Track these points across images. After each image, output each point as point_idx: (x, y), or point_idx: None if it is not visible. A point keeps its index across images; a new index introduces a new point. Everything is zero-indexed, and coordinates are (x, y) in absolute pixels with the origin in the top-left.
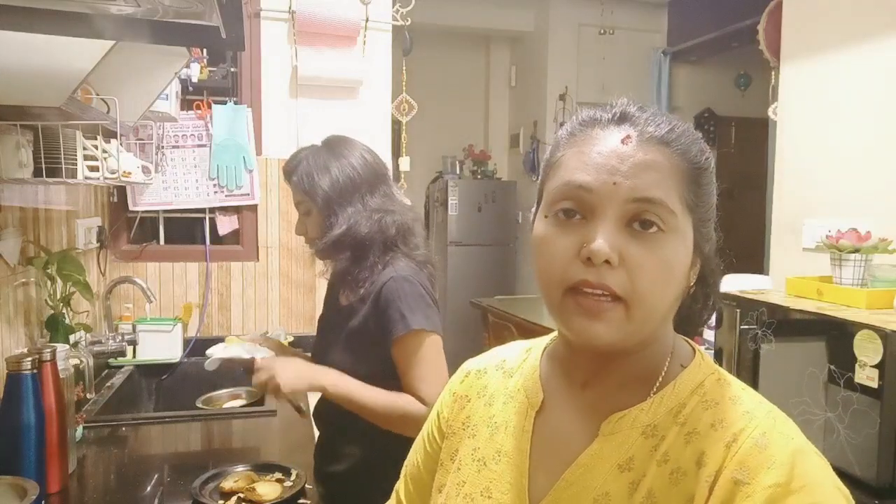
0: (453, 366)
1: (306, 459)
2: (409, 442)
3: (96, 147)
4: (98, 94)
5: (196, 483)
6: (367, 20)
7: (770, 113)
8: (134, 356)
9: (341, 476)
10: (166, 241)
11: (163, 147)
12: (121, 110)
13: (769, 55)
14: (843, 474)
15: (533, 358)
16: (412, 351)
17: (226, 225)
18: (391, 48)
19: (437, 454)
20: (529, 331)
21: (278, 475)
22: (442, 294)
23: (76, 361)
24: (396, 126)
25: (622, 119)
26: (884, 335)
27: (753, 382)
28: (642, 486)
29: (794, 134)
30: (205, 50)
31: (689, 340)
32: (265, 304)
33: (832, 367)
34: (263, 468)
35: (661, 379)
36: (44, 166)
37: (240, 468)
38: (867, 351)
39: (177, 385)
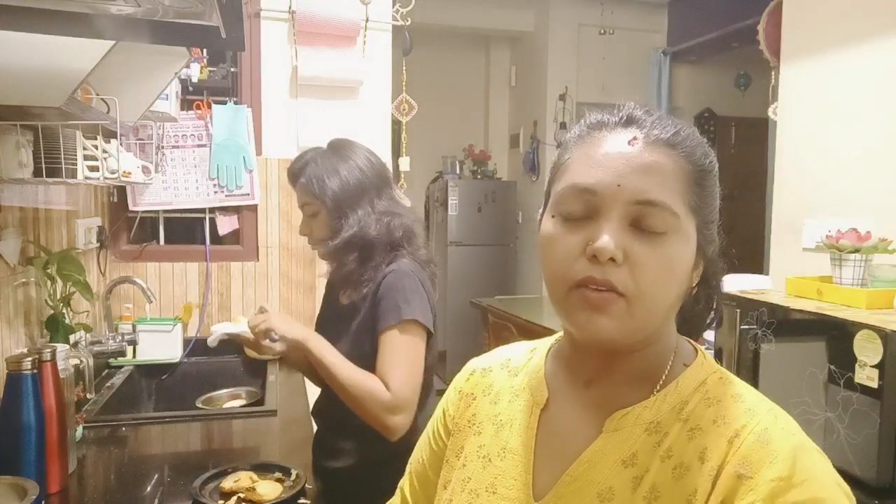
0: (453, 366)
1: (306, 459)
2: (404, 441)
3: (96, 147)
4: (98, 94)
5: (196, 483)
6: (367, 20)
7: (770, 113)
8: (134, 356)
9: (338, 472)
10: (166, 241)
11: (163, 147)
12: (121, 110)
13: (769, 55)
14: (843, 474)
15: (538, 357)
16: (398, 340)
17: (226, 225)
18: (391, 48)
19: (442, 452)
20: (529, 331)
21: (278, 475)
22: (442, 294)
23: (76, 361)
24: (396, 126)
25: (629, 122)
26: (884, 335)
27: (753, 382)
28: (646, 481)
29: (794, 134)
30: (205, 50)
31: (692, 341)
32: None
33: (832, 367)
34: (263, 468)
35: (664, 377)
36: (44, 166)
37: (240, 468)
38: (867, 351)
39: (177, 385)
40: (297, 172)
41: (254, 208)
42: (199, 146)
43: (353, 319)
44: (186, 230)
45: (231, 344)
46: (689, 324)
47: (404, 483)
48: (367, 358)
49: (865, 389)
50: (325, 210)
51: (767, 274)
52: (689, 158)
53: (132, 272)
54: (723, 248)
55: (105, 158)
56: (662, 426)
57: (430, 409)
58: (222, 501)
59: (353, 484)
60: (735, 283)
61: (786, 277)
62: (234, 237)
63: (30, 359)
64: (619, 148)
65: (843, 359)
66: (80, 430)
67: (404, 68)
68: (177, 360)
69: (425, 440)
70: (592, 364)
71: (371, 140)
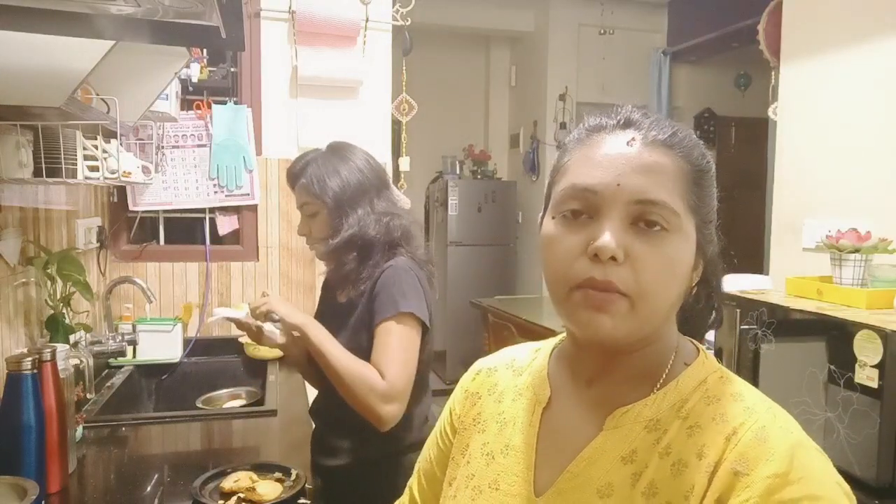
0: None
1: (306, 459)
2: (401, 440)
3: (96, 147)
4: (98, 94)
5: (196, 483)
6: (367, 20)
7: (770, 113)
8: (134, 356)
9: (336, 471)
10: (166, 241)
11: (163, 147)
12: (121, 110)
13: (769, 55)
14: (843, 474)
15: (542, 357)
16: (394, 330)
17: (226, 225)
18: (391, 48)
19: (448, 450)
20: (529, 331)
21: (278, 475)
22: (442, 294)
23: (76, 361)
24: (396, 126)
25: (627, 124)
26: (884, 335)
27: (753, 382)
28: (644, 477)
29: (794, 134)
30: (205, 50)
31: (694, 341)
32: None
33: (832, 367)
34: (263, 468)
35: (664, 376)
36: (44, 166)
37: (240, 468)
38: (867, 351)
39: (177, 385)
40: (297, 173)
41: (254, 208)
42: (199, 146)
43: (350, 315)
44: (186, 230)
45: (231, 343)
46: (691, 324)
47: (413, 482)
48: (364, 352)
49: (865, 389)
50: (325, 210)
51: (767, 274)
52: (686, 158)
53: (132, 272)
54: (722, 248)
55: (105, 158)
56: (662, 423)
57: (426, 406)
58: (222, 501)
59: (350, 482)
60: (735, 283)
61: (786, 277)
62: (234, 237)
63: (30, 359)
64: (619, 149)
65: (843, 359)
66: (80, 430)
67: (404, 68)
68: (177, 360)
69: (433, 439)
70: (594, 363)
71: (371, 140)
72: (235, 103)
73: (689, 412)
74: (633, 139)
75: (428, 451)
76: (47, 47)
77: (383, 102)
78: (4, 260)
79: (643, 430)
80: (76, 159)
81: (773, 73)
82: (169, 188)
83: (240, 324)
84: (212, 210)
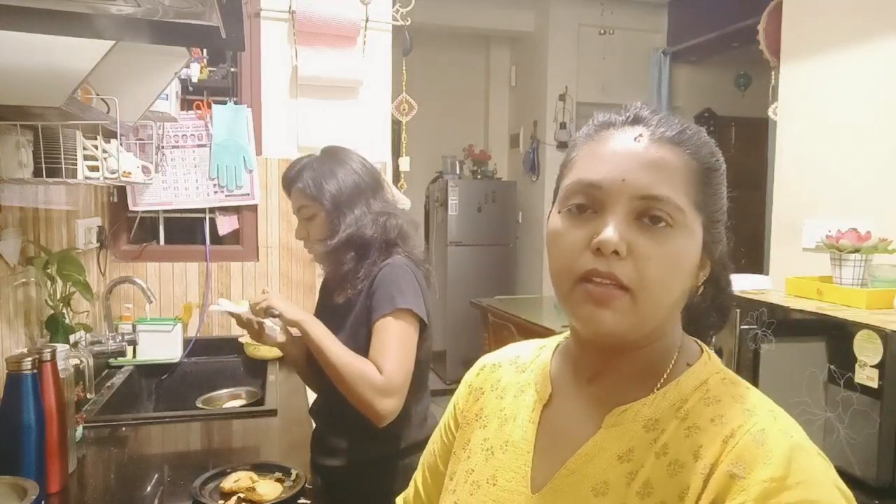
0: (453, 366)
1: (306, 459)
2: (401, 440)
3: (96, 147)
4: (98, 94)
5: (196, 483)
6: (366, 20)
7: (770, 113)
8: (134, 356)
9: (336, 471)
10: (166, 241)
11: (163, 147)
12: (121, 110)
13: (769, 55)
14: (842, 474)
15: (545, 354)
16: (392, 326)
17: (226, 225)
18: (391, 48)
19: (451, 445)
20: (529, 331)
21: (278, 475)
22: (442, 294)
23: (76, 361)
24: (396, 126)
25: (635, 121)
26: (884, 335)
27: (753, 382)
28: (640, 476)
29: (794, 134)
30: (205, 50)
31: (699, 341)
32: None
33: (832, 367)
34: (263, 468)
35: (666, 375)
36: (44, 166)
37: (240, 468)
38: (867, 351)
39: (177, 385)
40: (293, 178)
41: (254, 208)
42: (199, 146)
43: (348, 315)
44: (186, 230)
45: (231, 343)
46: (697, 324)
47: (417, 475)
48: (363, 350)
49: (865, 389)
50: (322, 212)
51: (767, 274)
52: (695, 156)
53: (132, 272)
54: (731, 249)
55: (105, 158)
56: (660, 423)
57: (426, 405)
58: (222, 501)
59: (350, 482)
60: (735, 283)
61: (786, 277)
62: (234, 237)
63: (30, 359)
64: (625, 144)
65: (843, 359)
66: (80, 430)
67: (404, 68)
68: (177, 360)
69: (437, 434)
70: (596, 360)
71: (371, 140)
72: (235, 103)
73: (687, 412)
74: (641, 135)
75: (432, 444)
76: (47, 47)
77: (383, 102)
78: (4, 260)
79: (641, 428)
80: (76, 159)
81: (773, 73)
82: (169, 188)
83: (240, 320)
84: (212, 210)
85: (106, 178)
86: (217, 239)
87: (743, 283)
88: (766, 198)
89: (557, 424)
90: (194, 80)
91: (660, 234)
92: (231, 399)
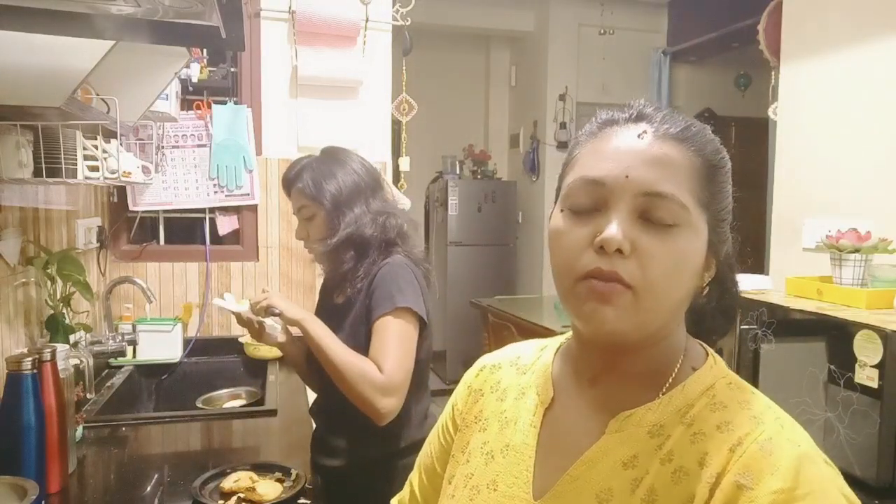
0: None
1: (306, 459)
2: (401, 440)
3: (96, 147)
4: (98, 94)
5: (196, 483)
6: (367, 20)
7: (770, 113)
8: (134, 356)
9: (336, 471)
10: (166, 241)
11: (163, 147)
12: (121, 110)
13: (769, 55)
14: (842, 474)
15: (546, 356)
16: (392, 325)
17: (226, 225)
18: (391, 48)
19: (449, 446)
20: (529, 331)
21: (278, 475)
22: (442, 294)
23: (76, 361)
24: (396, 126)
25: (639, 118)
26: (884, 335)
27: (753, 382)
28: (644, 483)
29: (793, 134)
30: (205, 50)
31: (704, 344)
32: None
33: (832, 367)
34: (263, 468)
35: (671, 380)
36: (44, 166)
37: (240, 468)
38: (867, 351)
39: (177, 385)
40: (292, 178)
41: (254, 208)
42: (199, 146)
43: (348, 314)
44: (186, 230)
45: (231, 343)
46: (702, 326)
47: (413, 476)
48: (363, 349)
49: (865, 389)
50: (322, 212)
51: (767, 274)
52: (699, 153)
53: (132, 272)
54: (736, 249)
55: (105, 158)
56: (665, 429)
57: (426, 405)
58: (222, 501)
59: (350, 482)
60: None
61: (786, 277)
62: (234, 237)
63: (30, 359)
64: (629, 141)
65: (843, 359)
66: (80, 430)
67: (404, 68)
68: (177, 360)
69: (435, 434)
70: (598, 361)
71: (371, 140)
72: (235, 103)
73: (693, 418)
74: (644, 132)
75: (429, 445)
76: (47, 47)
77: (383, 102)
78: (4, 260)
79: (646, 434)
80: (76, 159)
81: (773, 73)
82: (169, 188)
83: (240, 319)
84: (212, 210)
85: (106, 178)
86: (217, 239)
87: (743, 283)
88: (766, 198)
89: (559, 429)
90: (194, 80)
91: (664, 232)
92: (231, 399)
